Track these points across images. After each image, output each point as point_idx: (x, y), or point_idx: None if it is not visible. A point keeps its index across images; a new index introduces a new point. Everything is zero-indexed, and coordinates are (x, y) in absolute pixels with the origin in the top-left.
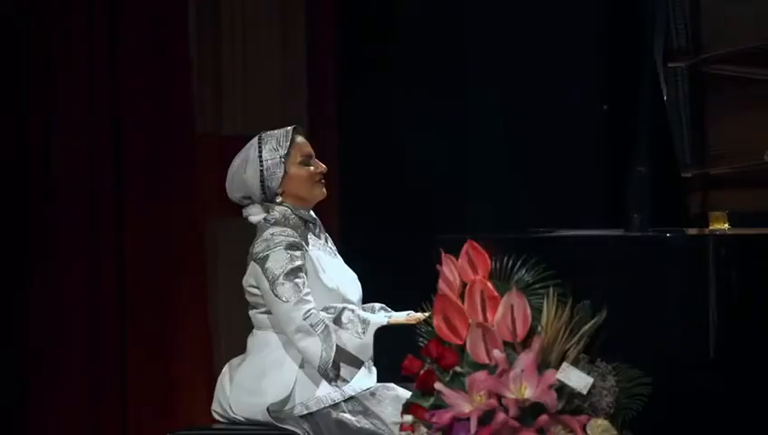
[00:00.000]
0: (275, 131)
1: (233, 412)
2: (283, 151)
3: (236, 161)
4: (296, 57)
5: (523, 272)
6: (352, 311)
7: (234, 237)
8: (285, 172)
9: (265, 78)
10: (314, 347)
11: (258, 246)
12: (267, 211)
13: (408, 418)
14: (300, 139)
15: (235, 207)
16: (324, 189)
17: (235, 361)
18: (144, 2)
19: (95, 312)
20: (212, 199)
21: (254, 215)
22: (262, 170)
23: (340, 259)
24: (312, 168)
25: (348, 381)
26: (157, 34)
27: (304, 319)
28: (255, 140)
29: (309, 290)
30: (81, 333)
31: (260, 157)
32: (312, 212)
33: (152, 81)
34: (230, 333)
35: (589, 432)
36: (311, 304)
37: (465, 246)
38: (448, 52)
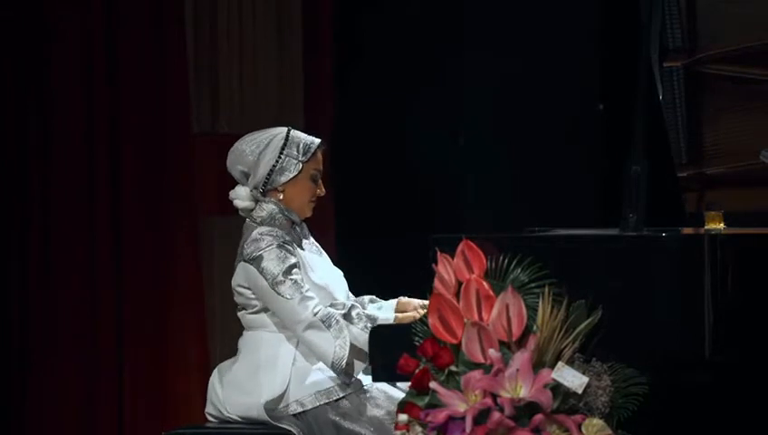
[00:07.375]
0: (303, 135)
1: (227, 412)
2: (304, 157)
3: (258, 138)
4: (293, 56)
5: (519, 271)
6: (359, 308)
7: (230, 237)
8: (296, 176)
9: (262, 77)
10: (326, 344)
11: (249, 247)
12: (254, 202)
13: (404, 417)
14: (320, 155)
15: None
16: (312, 211)
17: (224, 364)
18: (141, 1)
19: (92, 310)
20: (208, 198)
21: (241, 200)
22: (277, 162)
23: (325, 258)
24: (315, 187)
25: (355, 377)
26: (154, 34)
27: (314, 314)
28: (284, 131)
29: (308, 286)
30: (78, 331)
31: (282, 149)
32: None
33: (149, 80)
34: (226, 332)
35: (584, 432)
36: (315, 299)
37: (461, 246)
38: (445, 51)
